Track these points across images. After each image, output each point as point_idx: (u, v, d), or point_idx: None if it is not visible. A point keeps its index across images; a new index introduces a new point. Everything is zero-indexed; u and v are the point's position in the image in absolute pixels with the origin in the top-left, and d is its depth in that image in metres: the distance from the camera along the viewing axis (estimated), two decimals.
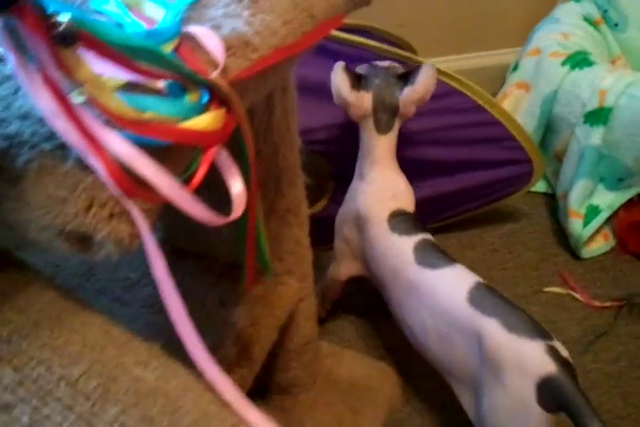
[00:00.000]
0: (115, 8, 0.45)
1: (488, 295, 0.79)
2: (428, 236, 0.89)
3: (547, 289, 1.15)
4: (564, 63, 1.27)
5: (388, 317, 0.94)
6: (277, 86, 0.63)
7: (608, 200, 1.22)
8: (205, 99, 0.39)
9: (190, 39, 0.44)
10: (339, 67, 0.91)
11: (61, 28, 0.31)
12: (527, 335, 0.74)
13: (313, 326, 0.84)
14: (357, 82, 0.92)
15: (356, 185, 0.97)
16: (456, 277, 0.83)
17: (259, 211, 0.54)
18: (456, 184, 1.13)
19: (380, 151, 0.93)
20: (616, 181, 1.21)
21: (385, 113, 0.92)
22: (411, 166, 1.07)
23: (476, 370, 0.78)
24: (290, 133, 0.67)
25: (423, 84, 0.92)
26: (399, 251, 0.87)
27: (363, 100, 0.92)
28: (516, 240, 1.26)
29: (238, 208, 0.43)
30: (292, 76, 0.66)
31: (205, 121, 0.38)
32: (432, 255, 0.86)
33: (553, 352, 0.72)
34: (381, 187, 0.94)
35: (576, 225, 1.18)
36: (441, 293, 0.82)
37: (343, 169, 1.07)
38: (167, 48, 0.41)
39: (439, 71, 1.05)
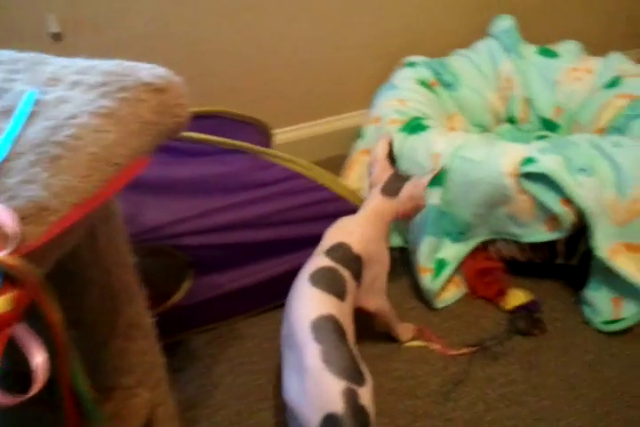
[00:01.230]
0: None
1: (329, 327, 0.88)
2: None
3: (407, 344, 1.23)
4: (401, 130, 1.39)
5: None
6: (99, 217, 0.68)
7: (454, 252, 1.33)
8: None
9: None
10: (385, 139, 1.16)
11: None
12: (335, 372, 0.81)
13: None
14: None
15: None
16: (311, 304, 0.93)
17: (76, 370, 0.57)
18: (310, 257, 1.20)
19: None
20: (458, 234, 1.32)
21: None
22: (267, 247, 1.15)
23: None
24: (121, 255, 0.72)
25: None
26: None
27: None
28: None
29: (39, 381, 0.47)
30: (116, 203, 0.71)
31: None
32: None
33: (350, 396, 0.80)
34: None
35: (426, 280, 1.28)
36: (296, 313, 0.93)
37: (198, 256, 1.13)
38: None
39: (281, 158, 1.13)
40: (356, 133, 1.70)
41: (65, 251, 0.53)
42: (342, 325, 0.91)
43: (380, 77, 1.70)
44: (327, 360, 0.83)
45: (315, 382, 0.82)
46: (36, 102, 0.59)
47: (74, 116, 0.57)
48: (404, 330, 1.23)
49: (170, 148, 1.10)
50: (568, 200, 1.19)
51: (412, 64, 1.62)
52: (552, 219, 1.23)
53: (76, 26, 1.37)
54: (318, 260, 1.03)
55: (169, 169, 1.08)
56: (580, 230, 1.25)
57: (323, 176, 1.16)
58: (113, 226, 0.70)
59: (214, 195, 1.11)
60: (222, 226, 1.11)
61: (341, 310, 0.96)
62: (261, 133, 1.50)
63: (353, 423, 0.78)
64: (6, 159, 0.53)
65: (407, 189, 1.11)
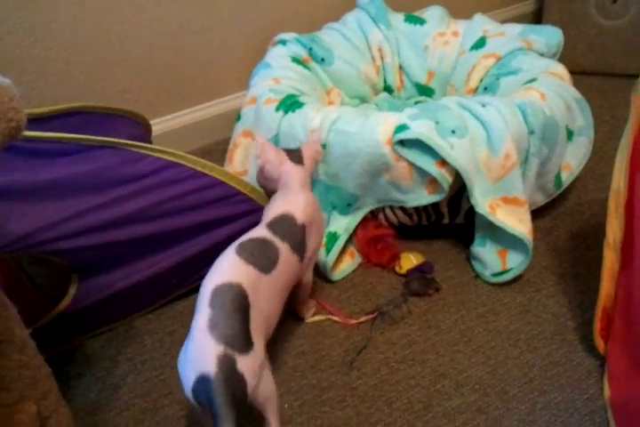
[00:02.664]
0: None
1: (228, 295, 0.90)
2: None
3: (308, 320, 1.24)
4: (277, 109, 1.38)
5: None
6: None
7: (344, 224, 1.34)
8: None
9: None
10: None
11: None
12: (216, 336, 0.84)
13: None
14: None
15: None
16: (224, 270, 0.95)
17: None
18: (198, 246, 1.19)
19: None
20: (346, 206, 1.34)
21: None
22: (150, 241, 1.13)
23: None
24: None
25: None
26: None
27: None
28: None
29: None
30: None
31: None
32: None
33: (225, 361, 0.82)
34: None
35: (320, 254, 1.29)
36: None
37: (81, 259, 1.09)
38: None
39: (151, 149, 1.11)
40: (234, 116, 1.69)
41: None
42: (248, 296, 0.92)
43: (254, 57, 1.69)
44: (212, 326, 0.85)
45: (196, 344, 0.85)
46: None
47: None
48: (309, 305, 1.24)
49: (28, 150, 1.05)
50: (443, 162, 1.22)
51: (283, 42, 1.61)
52: (431, 182, 1.26)
53: None
54: (256, 230, 1.06)
55: (31, 173, 1.04)
56: (460, 190, 1.29)
57: (196, 163, 1.14)
58: None
59: (84, 194, 1.07)
60: (98, 226, 1.08)
61: (258, 283, 0.95)
62: (138, 125, 1.46)
63: (223, 387, 0.81)
64: None
65: (306, 151, 1.19)
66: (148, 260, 1.17)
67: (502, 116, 1.25)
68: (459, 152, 1.21)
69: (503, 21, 1.70)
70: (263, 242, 1.03)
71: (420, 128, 1.21)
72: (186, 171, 1.13)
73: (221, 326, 0.85)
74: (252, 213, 1.22)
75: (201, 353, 0.84)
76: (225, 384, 0.81)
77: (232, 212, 1.20)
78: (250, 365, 0.86)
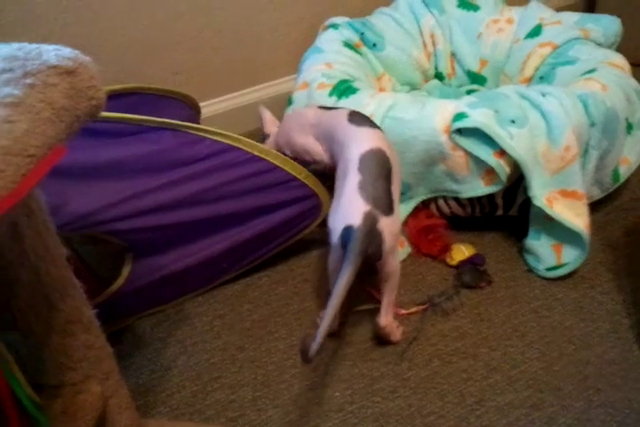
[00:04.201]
0: None
1: (372, 160, 1.04)
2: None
3: (356, 309, 1.23)
4: (331, 94, 1.36)
5: None
6: (20, 214, 0.64)
7: None
8: None
9: None
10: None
11: None
12: (364, 197, 0.98)
13: (130, 416, 0.85)
14: None
15: None
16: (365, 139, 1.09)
17: (15, 377, 0.53)
18: (252, 230, 1.19)
19: None
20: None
21: None
22: (205, 224, 1.12)
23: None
24: (49, 250, 0.68)
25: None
26: None
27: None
28: (323, 266, 1.33)
29: None
30: (37, 196, 0.67)
31: None
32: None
33: (369, 217, 0.96)
34: None
35: None
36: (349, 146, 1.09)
37: (135, 240, 1.09)
38: None
39: (210, 131, 1.10)
40: (286, 99, 1.67)
41: None
42: (389, 159, 1.06)
43: (304, 40, 1.67)
44: (362, 188, 0.99)
45: (346, 201, 0.99)
46: None
47: None
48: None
49: (89, 130, 1.03)
50: (501, 153, 1.20)
51: (334, 26, 1.59)
52: (488, 173, 1.23)
53: None
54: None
55: (92, 153, 1.03)
56: (516, 181, 1.26)
57: (253, 147, 1.12)
58: (37, 221, 0.66)
59: (143, 176, 1.07)
60: (155, 207, 1.07)
61: (391, 150, 1.10)
62: (187, 107, 1.46)
63: (363, 237, 0.95)
64: None
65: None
66: (201, 243, 1.16)
67: (563, 107, 1.22)
68: (518, 142, 1.19)
69: (556, 9, 1.66)
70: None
71: (480, 117, 1.19)
72: (243, 155, 1.12)
73: (369, 189, 0.99)
74: (306, 199, 1.21)
75: (350, 209, 0.98)
76: (364, 235, 0.95)
77: (286, 197, 1.18)
78: (389, 226, 0.99)
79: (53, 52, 0.60)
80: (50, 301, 0.69)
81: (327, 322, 0.93)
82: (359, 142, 1.08)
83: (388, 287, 1.10)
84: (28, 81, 0.57)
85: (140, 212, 1.06)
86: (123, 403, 0.85)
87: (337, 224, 0.99)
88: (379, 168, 1.04)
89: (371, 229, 0.96)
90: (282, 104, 1.60)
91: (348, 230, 0.96)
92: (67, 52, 0.61)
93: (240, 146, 1.12)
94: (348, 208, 0.99)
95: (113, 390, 0.82)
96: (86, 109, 0.61)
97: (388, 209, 1.00)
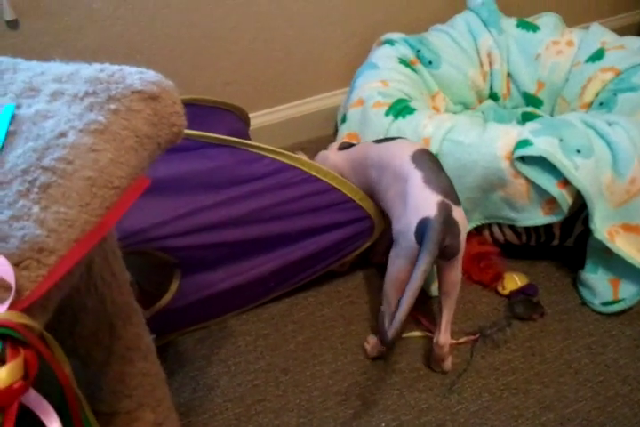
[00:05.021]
0: None
1: (426, 158, 1.06)
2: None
3: (405, 335, 1.20)
4: (387, 113, 1.33)
5: None
6: None
7: None
8: None
9: None
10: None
11: None
12: (433, 189, 0.99)
13: None
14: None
15: None
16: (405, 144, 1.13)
17: (86, 415, 0.52)
18: (303, 251, 1.16)
19: None
20: None
21: None
22: (257, 243, 1.10)
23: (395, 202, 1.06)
24: (116, 276, 0.66)
25: None
26: None
27: None
28: (370, 288, 1.31)
29: None
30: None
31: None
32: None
33: (443, 206, 0.97)
34: None
35: None
36: (393, 153, 1.11)
37: (186, 257, 1.07)
38: None
39: (268, 150, 1.08)
40: (334, 113, 1.65)
41: (66, 293, 0.47)
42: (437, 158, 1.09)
43: (356, 55, 1.64)
44: (427, 181, 1.00)
45: (416, 196, 1.00)
46: (13, 118, 0.52)
47: (62, 135, 0.50)
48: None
49: None
50: (565, 183, 1.16)
51: (390, 42, 1.56)
52: (548, 202, 1.19)
53: (33, 12, 1.28)
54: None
55: (150, 168, 1.01)
56: (576, 212, 1.22)
57: (311, 167, 1.10)
58: (106, 247, 0.64)
59: (200, 192, 1.05)
60: (210, 225, 1.05)
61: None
62: (239, 120, 1.44)
63: (441, 227, 0.94)
64: None
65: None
66: (251, 261, 1.14)
67: (630, 138, 1.18)
68: (583, 173, 1.15)
69: (614, 29, 1.61)
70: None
71: (545, 145, 1.15)
72: (300, 174, 1.10)
73: (435, 181, 1.00)
74: (359, 221, 1.19)
75: (422, 203, 0.98)
76: (442, 224, 0.95)
77: (340, 218, 1.16)
78: (461, 216, 0.99)
79: (137, 76, 0.58)
80: (113, 328, 0.67)
81: (405, 309, 0.94)
82: (402, 148, 1.10)
83: (448, 302, 1.08)
84: (112, 106, 0.54)
85: (195, 229, 1.04)
86: None
87: (410, 221, 0.98)
88: (436, 163, 1.06)
89: (447, 219, 0.96)
90: (330, 118, 1.58)
91: (423, 222, 0.96)
92: (151, 75, 0.59)
93: (298, 165, 1.09)
94: (420, 202, 0.98)
95: (164, 416, 0.80)
96: (167, 137, 0.59)
97: (457, 200, 1.01)
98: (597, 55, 1.52)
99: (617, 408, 1.08)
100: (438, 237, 0.94)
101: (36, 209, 0.45)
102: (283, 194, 1.09)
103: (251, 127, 1.54)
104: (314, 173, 1.10)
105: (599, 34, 1.57)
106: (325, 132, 1.67)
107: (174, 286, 1.11)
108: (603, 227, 1.18)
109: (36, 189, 0.46)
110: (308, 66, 1.65)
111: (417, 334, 1.21)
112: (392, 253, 1.05)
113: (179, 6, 1.40)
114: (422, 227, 0.96)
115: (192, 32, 1.45)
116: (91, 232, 0.46)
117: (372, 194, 1.17)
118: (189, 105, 1.23)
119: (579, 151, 1.16)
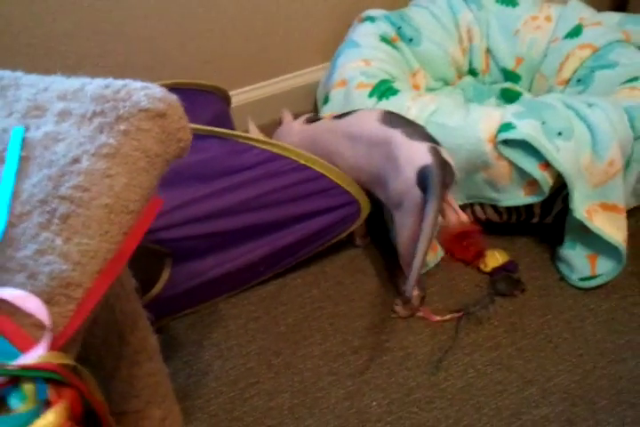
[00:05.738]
0: None
1: (393, 116, 1.13)
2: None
3: (393, 315, 1.23)
4: (370, 95, 1.34)
5: None
6: None
7: None
8: (43, 394, 0.39)
9: (5, 305, 0.43)
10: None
11: None
12: (417, 139, 1.06)
13: None
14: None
15: None
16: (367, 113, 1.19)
17: None
18: (293, 236, 1.18)
19: None
20: None
21: None
22: (248, 231, 1.11)
23: (385, 168, 1.09)
24: (124, 288, 0.67)
25: None
26: None
27: None
28: (356, 268, 1.33)
29: None
30: None
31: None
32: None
33: (434, 151, 1.04)
34: None
35: None
36: (359, 126, 1.16)
37: (179, 247, 1.08)
38: None
39: (257, 140, 1.08)
40: (314, 90, 1.65)
41: (89, 323, 0.48)
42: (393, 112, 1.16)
43: (335, 30, 1.63)
44: (409, 135, 1.07)
45: (406, 150, 1.05)
46: (24, 142, 0.52)
47: (75, 160, 0.51)
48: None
49: None
50: (546, 165, 1.18)
51: (371, 19, 1.55)
52: (530, 183, 1.22)
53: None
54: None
55: None
56: (556, 191, 1.25)
57: (299, 156, 1.11)
58: None
59: (191, 184, 1.05)
60: (202, 216, 1.06)
61: None
62: (221, 100, 1.43)
63: (440, 172, 1.01)
64: (9, 222, 0.47)
65: None
66: (241, 248, 1.16)
67: (609, 120, 1.20)
68: (564, 156, 1.17)
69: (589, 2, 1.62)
70: None
71: (527, 128, 1.17)
72: (289, 163, 1.11)
73: (414, 132, 1.07)
74: (347, 205, 1.20)
75: (414, 154, 1.04)
76: (440, 170, 1.01)
77: (329, 204, 1.18)
78: (449, 155, 1.07)
79: (143, 93, 0.58)
80: (122, 335, 0.68)
81: (421, 257, 1.00)
82: (366, 116, 1.16)
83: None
84: (122, 127, 0.55)
85: (187, 220, 1.05)
86: (176, 423, 0.85)
87: (408, 175, 1.03)
88: (403, 117, 1.14)
89: (441, 161, 1.03)
90: (311, 93, 1.57)
91: (423, 171, 1.02)
92: (156, 91, 0.59)
93: (286, 154, 1.10)
94: (412, 154, 1.04)
95: (168, 410, 0.83)
96: (175, 152, 0.59)
97: (439, 142, 1.08)
98: (575, 32, 1.53)
99: (595, 381, 1.14)
100: (441, 180, 1.01)
101: (58, 242, 0.46)
102: (272, 183, 1.10)
103: (233, 105, 1.53)
104: (302, 162, 1.11)
105: (577, 10, 1.58)
106: (305, 107, 1.67)
107: (165, 275, 1.12)
108: (582, 206, 1.21)
109: (56, 221, 0.47)
110: (288, 42, 1.63)
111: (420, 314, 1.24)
112: (398, 219, 1.11)
113: None
114: (423, 175, 1.02)
115: (170, 11, 1.42)
116: (112, 262, 0.47)
117: (341, 166, 1.19)
118: (172, 89, 1.23)
119: (560, 133, 1.18)
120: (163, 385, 0.80)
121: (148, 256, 1.14)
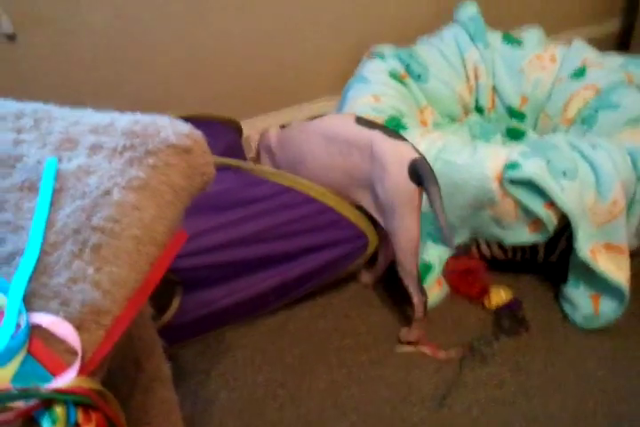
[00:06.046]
0: None
1: (367, 120, 1.18)
2: None
3: (399, 351, 1.24)
4: None
5: None
6: None
7: (437, 253, 1.34)
8: (73, 416, 0.41)
9: (39, 330, 0.44)
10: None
11: None
12: (398, 138, 1.12)
13: None
14: None
15: None
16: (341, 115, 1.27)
17: None
18: (302, 267, 1.20)
19: None
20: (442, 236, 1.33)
21: None
22: (259, 262, 1.13)
23: (369, 171, 1.12)
24: (142, 315, 0.68)
25: None
26: None
27: None
28: (363, 300, 1.35)
29: None
30: None
31: None
32: None
33: (415, 148, 1.11)
34: None
35: None
36: (335, 126, 1.21)
37: (191, 276, 1.10)
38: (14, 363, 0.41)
39: (271, 173, 1.10)
40: None
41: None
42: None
43: (345, 63, 1.68)
44: (389, 135, 1.12)
45: (392, 148, 1.10)
46: (57, 174, 0.55)
47: (106, 193, 0.53)
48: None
49: None
50: (551, 204, 1.21)
51: (381, 56, 1.59)
52: (535, 222, 1.24)
53: (30, 25, 1.28)
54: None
55: None
56: (561, 230, 1.27)
57: (310, 188, 1.14)
58: None
59: (203, 215, 1.07)
60: (215, 246, 1.08)
61: None
62: (233, 131, 1.47)
63: (425, 163, 1.08)
64: (44, 251, 0.49)
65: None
66: (252, 279, 1.18)
67: (613, 161, 1.23)
68: (569, 195, 1.20)
69: (590, 40, 1.66)
70: None
71: (533, 168, 1.20)
72: (300, 196, 1.13)
73: (393, 134, 1.13)
74: (355, 239, 1.22)
75: (401, 151, 1.10)
76: (426, 161, 1.09)
77: (337, 236, 1.20)
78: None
79: (170, 129, 0.60)
80: (138, 362, 0.70)
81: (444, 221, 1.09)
82: (342, 120, 1.22)
83: None
84: (151, 161, 0.57)
85: (199, 250, 1.07)
86: None
87: (398, 171, 1.08)
88: (375, 121, 1.19)
89: (424, 157, 1.10)
90: None
91: (413, 164, 1.08)
92: (183, 128, 0.61)
93: (297, 187, 1.12)
94: (399, 151, 1.10)
95: None
96: (199, 186, 0.61)
97: (403, 137, 1.15)
98: (579, 72, 1.58)
99: (597, 420, 1.14)
100: (432, 173, 1.08)
101: (90, 271, 0.48)
102: (283, 215, 1.12)
103: (243, 134, 1.57)
104: (312, 194, 1.13)
105: (581, 50, 1.62)
106: None
107: (176, 303, 1.13)
108: (586, 246, 1.23)
109: (88, 250, 0.49)
110: (299, 75, 1.68)
111: (408, 349, 1.25)
112: (396, 224, 1.12)
113: (171, 20, 1.42)
114: (415, 167, 1.07)
115: (183, 46, 1.47)
116: (139, 291, 0.49)
117: (312, 165, 1.22)
118: (186, 121, 1.27)
119: (564, 173, 1.21)
120: (174, 413, 0.80)
121: (160, 284, 1.16)
